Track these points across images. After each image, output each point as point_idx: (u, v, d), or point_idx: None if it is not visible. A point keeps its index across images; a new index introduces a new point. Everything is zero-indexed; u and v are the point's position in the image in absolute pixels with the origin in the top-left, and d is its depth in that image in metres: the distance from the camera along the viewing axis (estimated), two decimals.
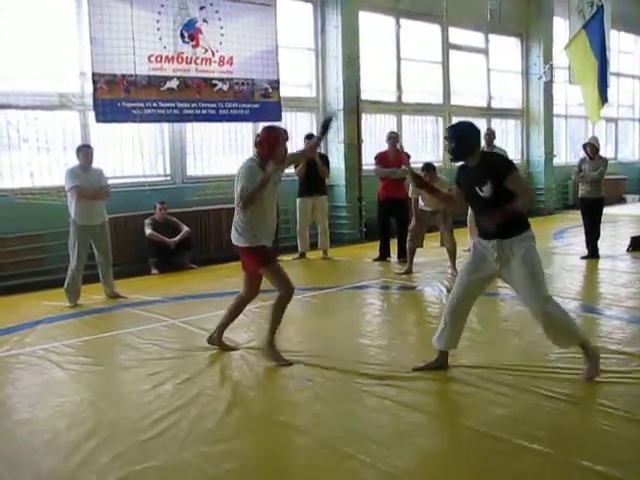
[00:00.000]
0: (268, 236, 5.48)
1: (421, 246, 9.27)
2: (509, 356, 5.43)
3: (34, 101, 9.33)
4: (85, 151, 7.80)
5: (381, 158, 10.17)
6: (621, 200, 18.78)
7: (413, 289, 8.33)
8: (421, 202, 9.06)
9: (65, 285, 7.75)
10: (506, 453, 3.76)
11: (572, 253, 10.38)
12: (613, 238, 10.81)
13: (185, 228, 9.78)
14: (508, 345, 5.83)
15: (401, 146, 9.48)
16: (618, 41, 19.93)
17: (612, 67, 17.94)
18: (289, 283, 5.50)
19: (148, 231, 9.53)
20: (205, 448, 3.89)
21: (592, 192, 9.91)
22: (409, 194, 9.20)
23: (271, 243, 5.54)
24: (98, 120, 9.70)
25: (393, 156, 10.01)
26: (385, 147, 10.32)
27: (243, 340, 6.12)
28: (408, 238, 9.19)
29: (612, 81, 17.87)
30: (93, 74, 9.59)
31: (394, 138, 10.24)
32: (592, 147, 10.03)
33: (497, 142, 11.05)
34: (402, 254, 9.70)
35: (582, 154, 10.35)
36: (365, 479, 3.54)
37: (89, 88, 9.66)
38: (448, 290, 7.99)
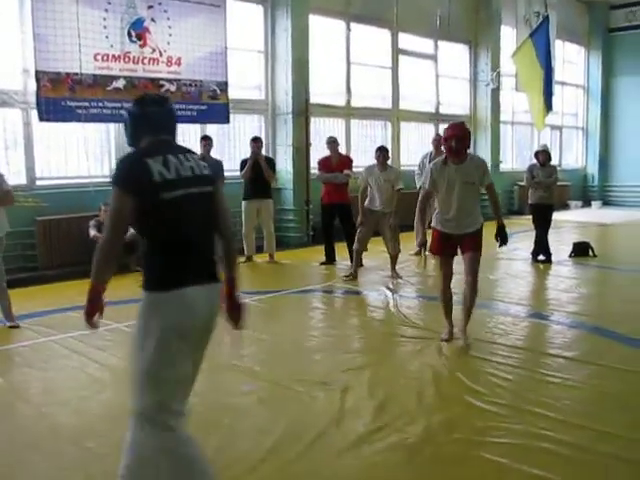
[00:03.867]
0: (447, 225, 5.87)
1: (365, 250, 9.26)
2: (447, 362, 5.50)
3: None
4: None
5: (324, 163, 10.17)
6: (565, 206, 19.18)
7: (358, 294, 8.34)
8: (369, 200, 8.99)
9: None
10: (447, 460, 3.79)
11: (516, 258, 10.54)
12: (557, 244, 10.99)
13: (130, 230, 9.60)
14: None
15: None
16: (563, 51, 20.37)
17: (557, 76, 18.31)
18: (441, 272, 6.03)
19: (92, 233, 9.34)
20: None
21: (545, 198, 10.13)
22: (360, 190, 9.09)
23: (449, 230, 5.88)
24: (41, 119, 9.47)
25: (336, 161, 10.04)
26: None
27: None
28: (356, 240, 9.15)
29: (557, 90, 18.23)
30: (37, 72, 9.34)
31: (334, 142, 10.25)
32: (545, 154, 10.28)
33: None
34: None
35: (532, 161, 10.57)
36: None
37: (32, 86, 9.43)
38: (393, 294, 8.05)
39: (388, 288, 8.39)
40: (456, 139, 5.68)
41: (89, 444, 3.93)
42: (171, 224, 2.91)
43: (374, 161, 9.07)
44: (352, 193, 9.92)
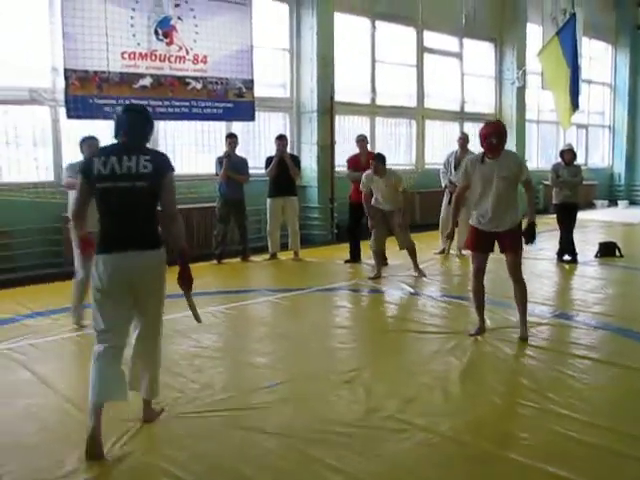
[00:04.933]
0: (483, 221, 5.92)
1: (383, 248, 9.18)
2: (479, 364, 5.49)
3: (4, 95, 9.20)
4: (90, 143, 6.64)
5: (353, 161, 10.17)
6: (591, 205, 19.02)
7: (382, 292, 8.33)
8: (375, 199, 8.92)
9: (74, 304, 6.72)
10: (473, 459, 3.79)
11: (542, 258, 10.45)
12: (583, 243, 10.90)
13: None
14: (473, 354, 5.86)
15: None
16: (589, 48, 20.18)
17: (583, 74, 18.15)
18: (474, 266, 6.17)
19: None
20: (179, 452, 3.87)
21: (571, 197, 10.06)
22: (360, 187, 9.05)
23: (486, 227, 5.91)
24: (69, 116, 9.60)
25: (365, 159, 10.02)
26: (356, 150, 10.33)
27: (211, 341, 6.10)
28: (371, 240, 9.11)
29: (583, 88, 18.08)
30: (65, 70, 9.49)
31: (363, 141, 10.24)
32: (571, 154, 10.21)
33: (470, 146, 11.10)
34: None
35: (557, 159, 10.49)
36: None
37: (61, 84, 9.56)
38: (416, 293, 8.05)
39: (412, 286, 8.39)
40: (496, 136, 5.79)
41: (111, 440, 3.97)
42: (102, 207, 4.00)
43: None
44: None
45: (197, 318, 4.28)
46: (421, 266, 9.10)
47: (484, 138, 5.85)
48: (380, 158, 8.86)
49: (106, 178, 3.89)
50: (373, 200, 8.96)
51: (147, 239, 4.02)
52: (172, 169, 4.11)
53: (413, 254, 9.03)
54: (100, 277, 3.94)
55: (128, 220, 3.97)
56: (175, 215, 4.11)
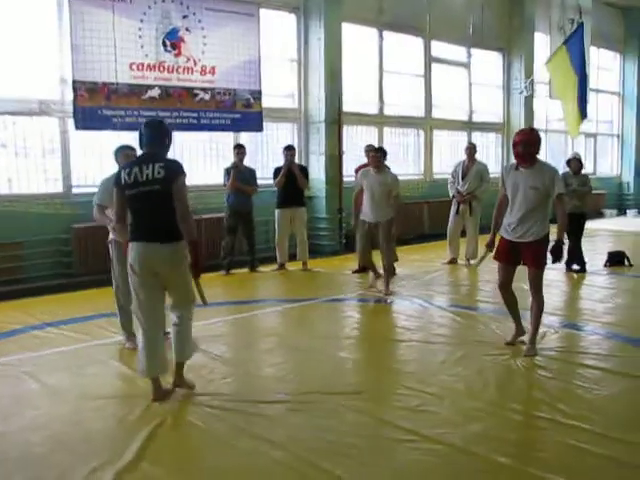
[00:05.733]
0: (509, 229, 5.89)
1: (369, 262, 8.91)
2: (484, 374, 5.47)
3: (13, 107, 9.24)
4: (126, 153, 6.11)
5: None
6: (599, 215, 18.95)
7: (391, 303, 8.30)
8: (363, 212, 8.58)
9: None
10: (482, 471, 3.77)
11: (550, 268, 10.36)
12: (591, 253, 10.84)
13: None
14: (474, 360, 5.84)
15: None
16: (597, 57, 20.15)
17: (591, 83, 18.11)
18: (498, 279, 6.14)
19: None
20: (186, 463, 3.87)
21: (580, 207, 9.98)
22: (355, 194, 8.78)
23: (511, 236, 5.88)
24: (77, 127, 9.63)
25: None
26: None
27: (220, 351, 6.09)
28: (357, 253, 8.99)
29: (591, 97, 18.05)
30: (74, 81, 9.53)
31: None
32: (577, 162, 10.17)
33: (478, 156, 11.10)
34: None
35: (565, 169, 10.44)
36: None
37: (69, 95, 9.60)
38: (427, 303, 8.01)
39: (420, 297, 8.33)
40: (523, 144, 5.76)
41: (126, 450, 3.96)
42: (131, 208, 4.79)
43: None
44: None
45: (203, 300, 5.03)
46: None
47: (513, 146, 5.86)
48: (382, 151, 8.80)
49: (131, 186, 4.67)
50: (361, 210, 8.61)
51: (165, 233, 4.69)
52: (182, 173, 4.78)
53: (390, 272, 8.73)
54: (133, 260, 4.72)
55: (149, 218, 4.71)
56: (185, 214, 4.73)
